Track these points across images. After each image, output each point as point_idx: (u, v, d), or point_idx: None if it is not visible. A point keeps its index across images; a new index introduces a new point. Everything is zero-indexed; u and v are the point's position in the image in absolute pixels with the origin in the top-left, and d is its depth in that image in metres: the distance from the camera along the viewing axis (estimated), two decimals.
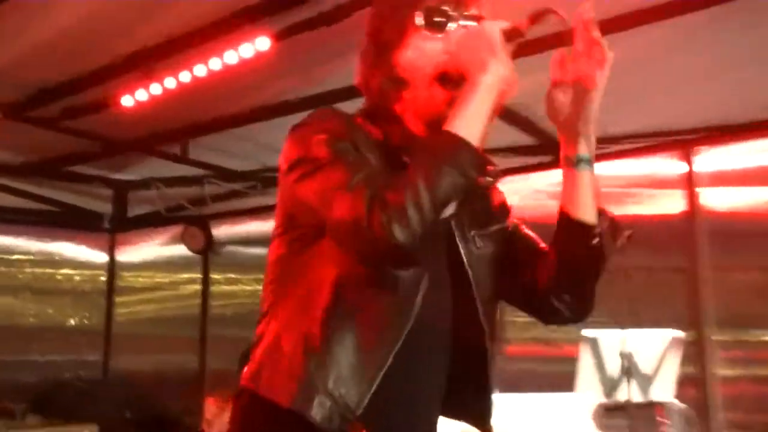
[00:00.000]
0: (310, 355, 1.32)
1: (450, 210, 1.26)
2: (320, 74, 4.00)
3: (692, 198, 4.32)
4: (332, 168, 1.31)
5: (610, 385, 3.69)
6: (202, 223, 6.20)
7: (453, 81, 1.38)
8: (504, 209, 1.59)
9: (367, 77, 1.48)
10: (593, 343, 3.69)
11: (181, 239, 6.27)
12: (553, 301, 1.49)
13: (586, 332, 3.67)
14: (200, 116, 4.66)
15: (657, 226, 4.33)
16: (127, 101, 4.05)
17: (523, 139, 4.51)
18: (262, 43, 3.44)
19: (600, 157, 1.45)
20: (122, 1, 3.26)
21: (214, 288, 6.41)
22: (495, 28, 1.32)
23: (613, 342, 3.66)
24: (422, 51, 1.41)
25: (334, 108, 1.47)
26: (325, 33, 3.28)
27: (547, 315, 1.54)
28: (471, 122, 1.28)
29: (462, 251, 1.45)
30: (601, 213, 1.44)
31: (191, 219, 6.20)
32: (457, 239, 1.45)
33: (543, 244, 1.55)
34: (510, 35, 1.32)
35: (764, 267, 4.17)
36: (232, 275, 6.40)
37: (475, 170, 1.27)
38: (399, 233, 1.20)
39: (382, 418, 1.34)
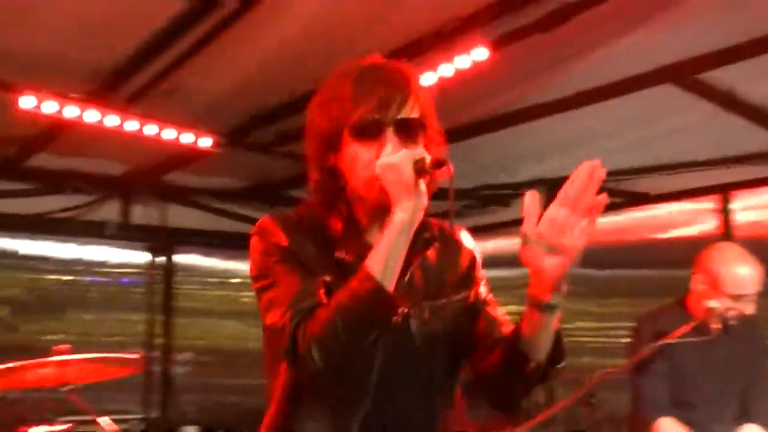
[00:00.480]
0: None
1: (370, 339, 1.48)
2: (541, 83, 4.00)
3: None
4: (275, 289, 1.59)
5: None
6: None
7: None
8: (467, 281, 1.76)
9: (312, 173, 1.70)
10: None
11: None
12: (484, 391, 1.70)
13: None
14: None
15: None
16: None
17: None
18: (480, 53, 3.44)
19: None
20: (335, 21, 3.39)
21: None
22: (407, 164, 1.51)
23: None
24: (358, 160, 1.61)
25: (276, 217, 1.70)
26: (546, 39, 3.26)
27: (477, 399, 1.72)
28: (388, 261, 1.50)
29: (411, 322, 1.63)
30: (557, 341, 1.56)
31: None
32: (410, 310, 1.63)
33: (506, 329, 1.68)
34: (420, 170, 1.51)
35: None
36: None
37: (388, 312, 1.50)
38: (319, 360, 1.46)
39: None
